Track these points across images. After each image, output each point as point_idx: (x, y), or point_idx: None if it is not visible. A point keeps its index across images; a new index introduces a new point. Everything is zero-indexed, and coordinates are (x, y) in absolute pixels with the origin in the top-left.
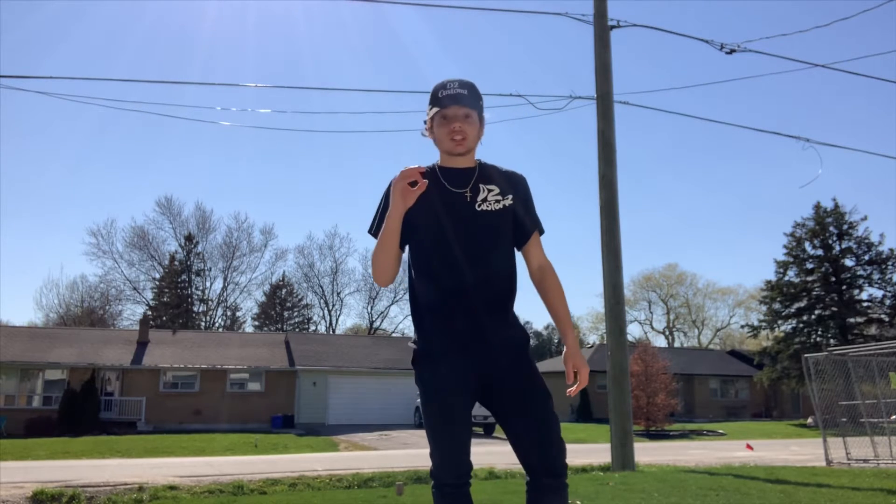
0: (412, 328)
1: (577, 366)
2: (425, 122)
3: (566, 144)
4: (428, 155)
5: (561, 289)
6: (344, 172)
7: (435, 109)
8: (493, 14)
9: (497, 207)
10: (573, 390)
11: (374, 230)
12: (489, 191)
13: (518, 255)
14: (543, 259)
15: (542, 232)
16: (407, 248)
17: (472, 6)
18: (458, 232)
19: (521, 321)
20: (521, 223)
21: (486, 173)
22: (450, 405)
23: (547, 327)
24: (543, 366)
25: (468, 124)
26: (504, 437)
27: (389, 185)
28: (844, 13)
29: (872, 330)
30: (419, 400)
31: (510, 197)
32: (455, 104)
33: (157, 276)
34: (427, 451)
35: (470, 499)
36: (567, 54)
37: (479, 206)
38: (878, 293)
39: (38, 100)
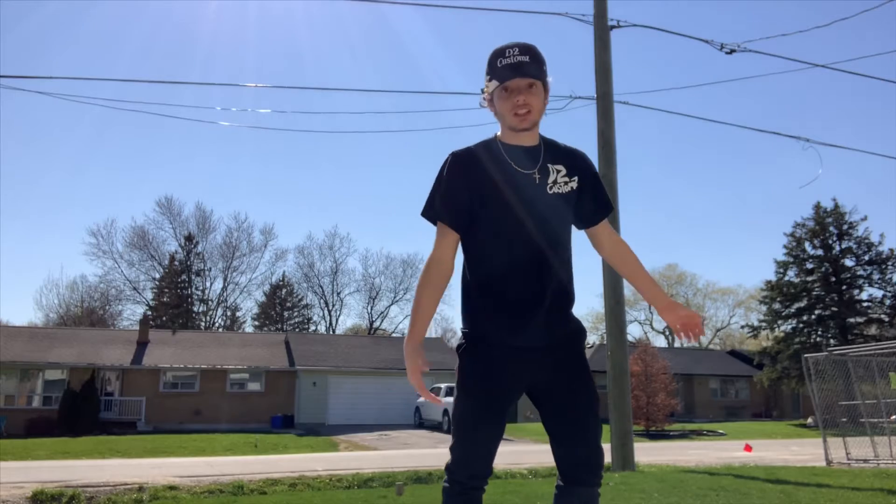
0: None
1: (684, 312)
2: (483, 93)
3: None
4: (433, 152)
5: (638, 259)
6: (344, 172)
7: (495, 83)
8: (493, 14)
9: (566, 190)
10: (696, 336)
11: (428, 212)
12: (557, 171)
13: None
14: (616, 234)
15: (611, 212)
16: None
17: (472, 6)
18: (530, 216)
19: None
20: (588, 205)
21: (552, 151)
22: (491, 404)
23: None
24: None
25: (532, 95)
26: (506, 437)
27: (445, 163)
28: (844, 13)
29: (872, 330)
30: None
31: (576, 178)
32: (517, 75)
33: (157, 276)
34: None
35: (479, 501)
36: (567, 54)
37: (551, 188)
38: (878, 293)
39: (38, 100)
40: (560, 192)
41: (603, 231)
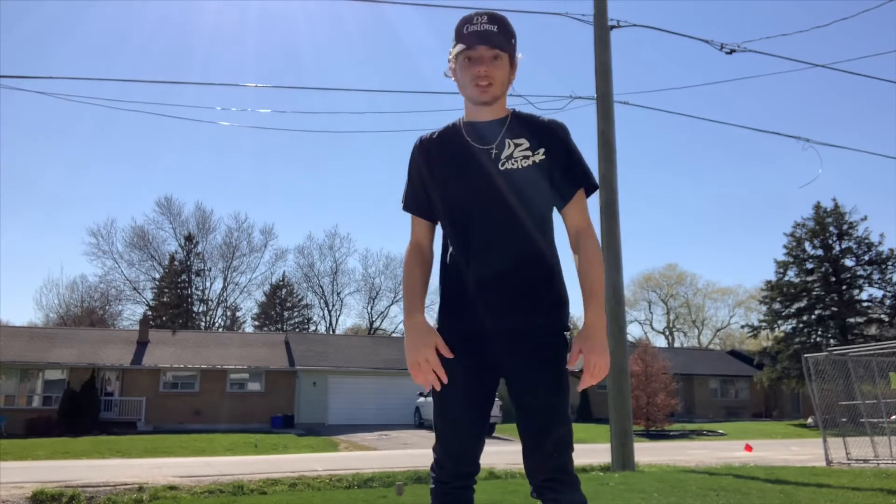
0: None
1: (584, 349)
2: (449, 62)
3: None
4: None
5: (597, 257)
6: (344, 173)
7: (459, 47)
8: None
9: (525, 164)
10: (581, 384)
11: (407, 204)
12: (517, 145)
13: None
14: (583, 221)
15: (591, 188)
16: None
17: (472, 6)
18: (483, 194)
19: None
20: (558, 180)
21: (519, 125)
22: (455, 399)
23: None
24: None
25: (496, 67)
26: (503, 436)
27: (413, 153)
28: (844, 13)
29: (872, 330)
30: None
31: (542, 151)
32: (482, 43)
33: (157, 276)
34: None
35: (470, 501)
36: (567, 54)
37: (503, 164)
38: (878, 293)
39: (38, 100)
40: (515, 167)
41: (569, 215)
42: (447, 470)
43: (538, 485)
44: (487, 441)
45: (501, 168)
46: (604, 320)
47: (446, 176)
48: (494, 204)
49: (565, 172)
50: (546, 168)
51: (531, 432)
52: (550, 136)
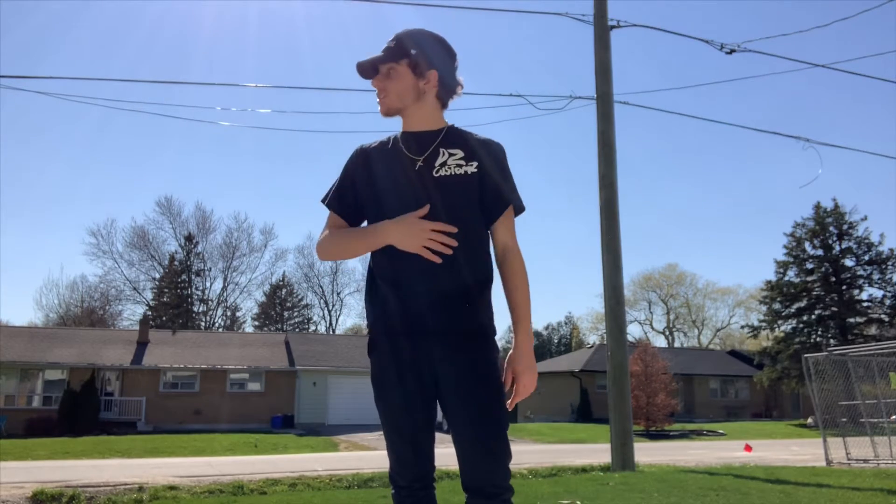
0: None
1: (516, 371)
2: None
3: (566, 144)
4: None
5: (522, 277)
6: None
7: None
8: (492, 14)
9: (457, 173)
10: (511, 401)
11: (324, 199)
12: (450, 154)
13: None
14: (509, 240)
15: (518, 209)
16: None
17: (472, 6)
18: (408, 202)
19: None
20: (487, 194)
21: (455, 138)
22: (394, 404)
23: (547, 327)
24: (542, 366)
25: (388, 80)
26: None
27: (351, 156)
28: (844, 13)
29: (872, 330)
30: None
31: (475, 164)
32: (360, 68)
33: (157, 276)
34: None
35: (430, 501)
36: (567, 54)
37: (437, 171)
38: (878, 293)
39: (38, 100)
40: (449, 174)
41: (497, 231)
42: (405, 476)
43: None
44: None
45: (435, 175)
46: (531, 340)
47: (380, 184)
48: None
49: (496, 188)
50: (477, 181)
51: (461, 446)
52: (485, 151)
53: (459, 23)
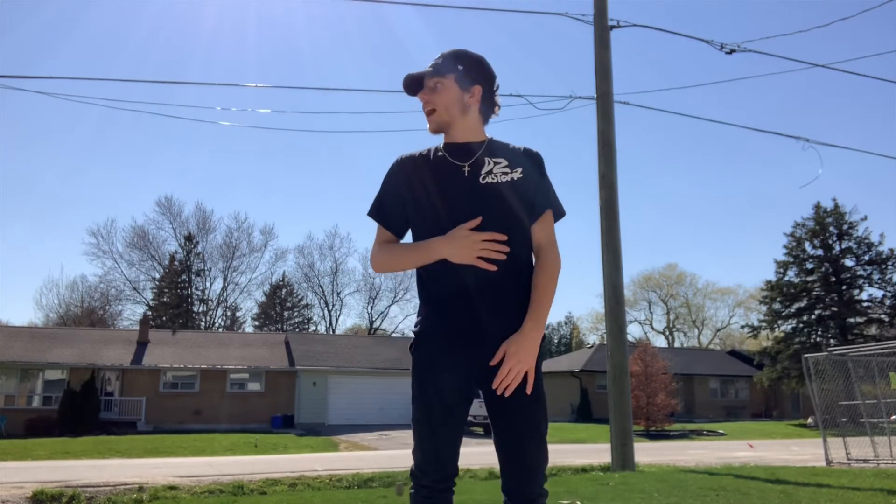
0: (412, 327)
1: (507, 351)
2: None
3: (566, 144)
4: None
5: (551, 273)
6: (344, 172)
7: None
8: (493, 14)
9: (503, 180)
10: (498, 384)
11: (371, 213)
12: (495, 163)
13: None
14: (545, 239)
15: (558, 214)
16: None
17: (472, 6)
18: (458, 210)
19: None
20: (529, 199)
21: (497, 148)
22: (440, 404)
23: (547, 327)
24: (542, 366)
25: (436, 95)
26: None
27: (392, 168)
28: (844, 13)
29: (872, 330)
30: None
31: (520, 170)
32: (409, 80)
33: (157, 276)
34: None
35: (449, 503)
36: (567, 54)
37: (484, 178)
38: (878, 293)
39: (38, 100)
40: (495, 181)
41: (535, 231)
42: (430, 475)
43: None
44: (487, 441)
45: (482, 182)
46: (537, 329)
47: (426, 193)
48: (472, 217)
49: (537, 192)
50: (521, 186)
51: (505, 453)
52: (527, 159)
53: (459, 23)
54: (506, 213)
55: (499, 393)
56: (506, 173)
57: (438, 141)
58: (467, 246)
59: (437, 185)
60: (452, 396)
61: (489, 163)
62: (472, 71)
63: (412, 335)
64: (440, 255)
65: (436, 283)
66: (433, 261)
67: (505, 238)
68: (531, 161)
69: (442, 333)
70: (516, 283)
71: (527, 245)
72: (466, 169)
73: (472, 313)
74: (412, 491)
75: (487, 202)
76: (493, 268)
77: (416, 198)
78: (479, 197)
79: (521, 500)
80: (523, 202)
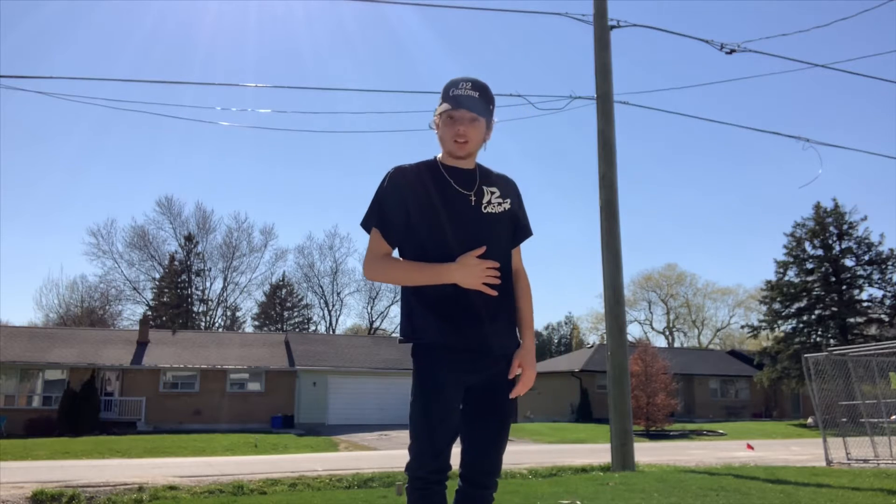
0: (406, 332)
1: (523, 364)
2: (434, 117)
3: (566, 144)
4: (433, 152)
5: (530, 293)
6: (344, 173)
7: (445, 107)
8: (493, 14)
9: (499, 210)
10: (514, 391)
11: (366, 223)
12: (492, 193)
13: None
14: (520, 264)
15: (529, 236)
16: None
17: (472, 6)
18: (464, 234)
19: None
20: (517, 226)
21: (486, 175)
22: (446, 405)
23: (547, 327)
24: (542, 366)
25: (473, 129)
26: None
27: (385, 178)
28: (844, 13)
29: (872, 330)
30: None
31: (509, 200)
32: (463, 106)
33: (157, 276)
34: None
35: (444, 498)
36: (567, 54)
37: (485, 208)
38: (878, 293)
39: (38, 100)
40: (494, 211)
41: (514, 256)
42: (427, 468)
43: (469, 491)
44: None
45: (484, 211)
46: (534, 344)
47: (430, 212)
48: (475, 242)
49: (519, 223)
50: (510, 215)
51: (478, 448)
52: (511, 189)
53: (460, 22)
54: (501, 240)
55: (512, 396)
56: (500, 203)
57: (427, 154)
58: (475, 274)
59: (446, 210)
60: (451, 401)
61: (487, 192)
62: (493, 112)
63: (408, 339)
64: (451, 281)
65: (446, 301)
66: (442, 283)
67: (498, 265)
68: (513, 189)
69: (449, 345)
70: (507, 303)
71: (509, 266)
72: (473, 198)
73: (480, 330)
74: (408, 486)
75: (489, 230)
76: (495, 293)
77: (424, 216)
78: (484, 225)
79: (482, 484)
80: (511, 229)
